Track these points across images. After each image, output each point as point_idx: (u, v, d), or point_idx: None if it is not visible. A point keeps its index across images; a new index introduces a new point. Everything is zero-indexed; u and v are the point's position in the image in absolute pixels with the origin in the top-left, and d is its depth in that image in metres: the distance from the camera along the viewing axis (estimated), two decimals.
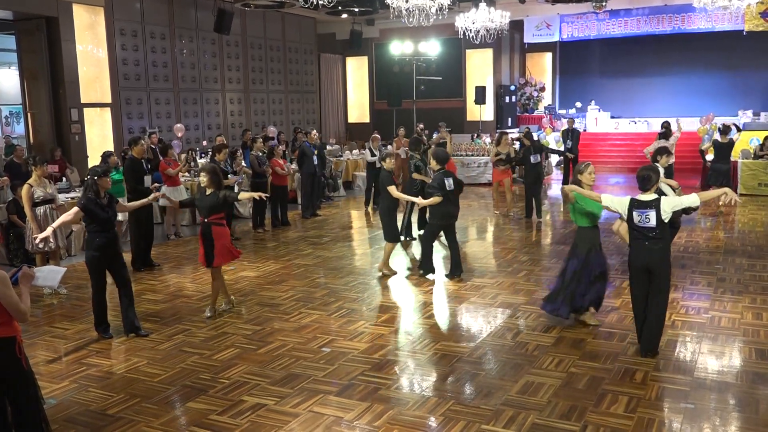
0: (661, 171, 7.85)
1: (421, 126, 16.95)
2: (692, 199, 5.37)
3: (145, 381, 5.28)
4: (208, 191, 6.65)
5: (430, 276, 8.06)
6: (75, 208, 6.24)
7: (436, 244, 8.41)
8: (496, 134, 13.42)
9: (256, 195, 7.33)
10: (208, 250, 6.63)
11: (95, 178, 6.18)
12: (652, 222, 5.24)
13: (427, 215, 8.41)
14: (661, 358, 5.45)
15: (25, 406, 3.77)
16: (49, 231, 6.27)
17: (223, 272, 8.57)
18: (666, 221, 5.27)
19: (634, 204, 5.35)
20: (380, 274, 8.29)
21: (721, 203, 5.92)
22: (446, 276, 8.07)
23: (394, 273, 8.30)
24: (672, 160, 8.36)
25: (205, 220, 6.62)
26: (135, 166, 8.71)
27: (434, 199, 7.73)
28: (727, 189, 5.58)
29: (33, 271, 3.91)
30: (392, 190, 8.01)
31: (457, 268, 8.02)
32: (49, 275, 4.64)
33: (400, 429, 4.43)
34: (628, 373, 5.18)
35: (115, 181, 9.23)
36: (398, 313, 6.96)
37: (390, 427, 4.45)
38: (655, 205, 5.26)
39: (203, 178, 6.69)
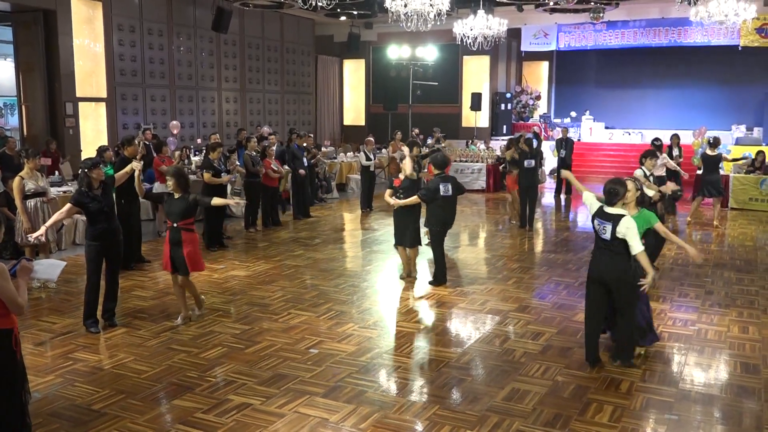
0: (644, 172, 7.85)
1: (417, 131, 17.01)
2: (638, 247, 5.15)
3: (132, 377, 5.27)
4: (177, 195, 6.43)
5: (439, 284, 7.97)
6: (68, 205, 6.30)
7: (422, 247, 8.40)
8: (506, 141, 13.29)
9: (231, 201, 7.19)
10: (177, 257, 6.36)
11: (86, 170, 6.21)
12: (607, 235, 5.23)
13: (423, 222, 8.28)
14: (647, 369, 5.47)
15: (11, 397, 3.77)
16: (42, 230, 6.27)
17: (213, 271, 8.58)
18: (620, 238, 5.18)
19: (598, 212, 5.35)
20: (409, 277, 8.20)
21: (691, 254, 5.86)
22: (430, 282, 8.06)
23: (407, 277, 8.21)
24: (658, 162, 8.36)
25: (175, 225, 6.36)
26: (124, 166, 8.63)
27: (412, 200, 7.73)
28: (692, 253, 5.69)
29: (32, 264, 3.91)
30: (387, 193, 7.99)
31: (436, 278, 8.08)
32: (48, 269, 4.63)
33: None
34: (613, 382, 5.20)
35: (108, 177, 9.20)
36: (387, 316, 6.96)
37: (375, 430, 4.45)
38: (614, 220, 5.22)
39: (170, 182, 6.44)
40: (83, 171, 6.23)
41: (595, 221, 5.35)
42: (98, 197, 6.22)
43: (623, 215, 5.21)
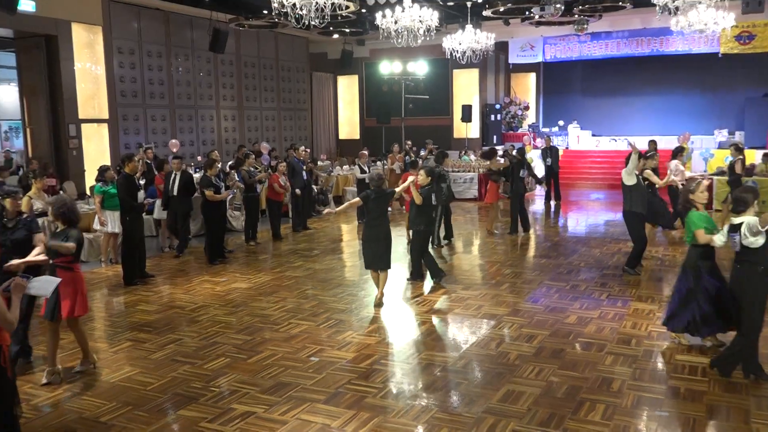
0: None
1: (410, 143, 17.26)
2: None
3: (138, 389, 5.38)
4: (60, 229, 5.68)
5: (416, 280, 8.65)
6: None
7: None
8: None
9: (38, 259, 5.42)
10: (50, 300, 5.51)
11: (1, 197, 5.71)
12: (737, 246, 5.19)
13: (409, 226, 8.99)
14: (638, 367, 5.62)
15: (2, 412, 3.74)
16: None
17: (215, 284, 8.72)
18: (750, 246, 5.07)
19: (730, 228, 5.31)
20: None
21: None
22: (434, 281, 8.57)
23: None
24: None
25: (51, 262, 5.50)
26: (128, 183, 8.86)
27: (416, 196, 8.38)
28: None
29: (25, 281, 3.95)
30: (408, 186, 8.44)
31: (435, 274, 8.63)
32: (44, 285, 4.65)
33: None
34: (605, 382, 5.34)
35: (110, 196, 9.41)
36: (385, 323, 7.12)
37: None
38: (738, 229, 5.15)
39: (51, 214, 5.64)
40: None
41: (730, 237, 5.29)
42: (9, 229, 5.60)
43: (741, 222, 5.14)
